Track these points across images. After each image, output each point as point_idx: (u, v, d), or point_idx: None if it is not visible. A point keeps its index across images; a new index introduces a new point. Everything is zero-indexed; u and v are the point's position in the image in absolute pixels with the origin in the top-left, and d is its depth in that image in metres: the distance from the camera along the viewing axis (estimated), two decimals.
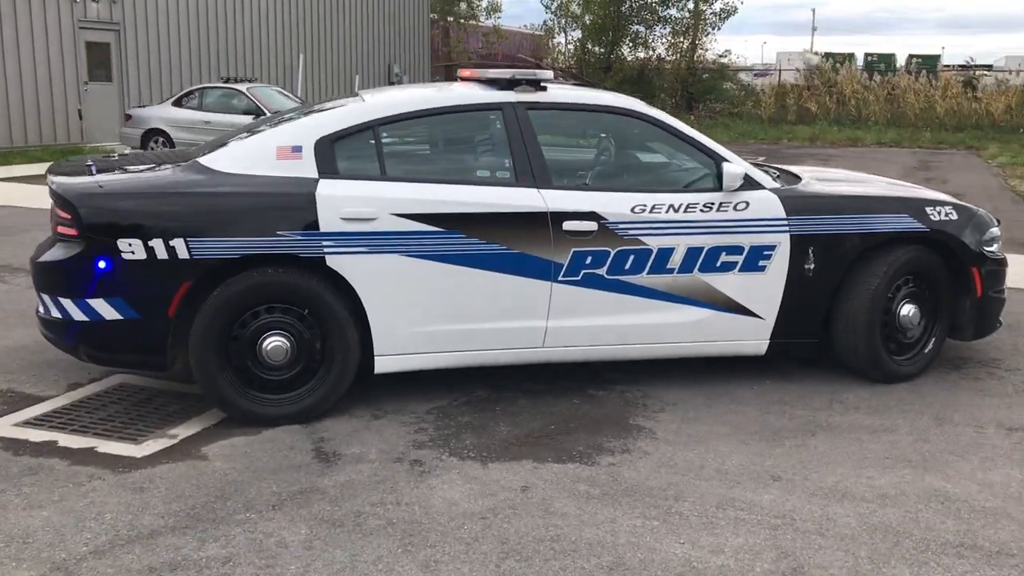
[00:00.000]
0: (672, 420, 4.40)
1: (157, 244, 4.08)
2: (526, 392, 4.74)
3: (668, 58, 32.01)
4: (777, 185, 4.80)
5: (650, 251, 4.52)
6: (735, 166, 4.62)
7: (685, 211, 4.56)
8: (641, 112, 4.80)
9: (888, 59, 56.42)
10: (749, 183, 4.66)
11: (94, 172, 4.37)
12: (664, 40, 31.99)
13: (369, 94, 4.82)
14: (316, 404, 4.32)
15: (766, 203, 4.66)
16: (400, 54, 27.60)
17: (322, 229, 4.19)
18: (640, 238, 4.50)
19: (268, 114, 14.56)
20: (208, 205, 4.17)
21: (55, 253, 4.21)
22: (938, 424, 4.37)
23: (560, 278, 4.45)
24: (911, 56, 60.64)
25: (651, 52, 32.31)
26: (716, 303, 4.65)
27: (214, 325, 4.16)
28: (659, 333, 4.66)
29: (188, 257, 4.10)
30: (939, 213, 4.91)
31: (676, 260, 4.55)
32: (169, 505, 3.49)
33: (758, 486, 3.70)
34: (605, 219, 4.45)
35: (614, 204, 4.49)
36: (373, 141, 4.41)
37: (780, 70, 33.36)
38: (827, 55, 55.13)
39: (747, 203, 4.63)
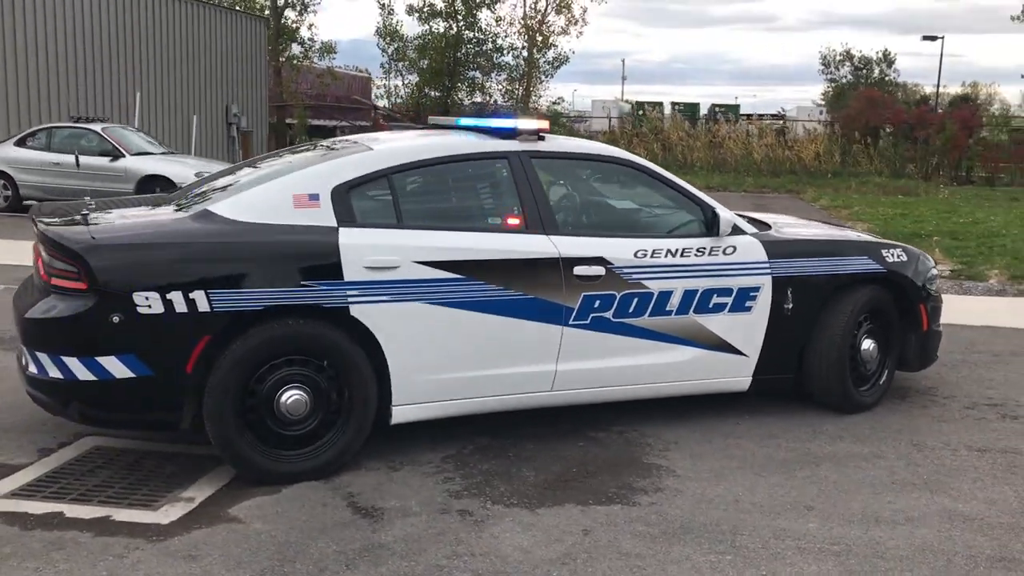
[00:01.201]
0: (683, 458, 4.56)
1: (176, 297, 3.89)
2: (528, 437, 4.78)
3: (504, 104, 32.79)
4: (756, 230, 5.11)
5: (651, 294, 4.70)
6: (726, 212, 4.89)
7: (681, 255, 4.78)
8: (632, 161, 5.01)
9: (693, 108, 59.96)
10: (735, 229, 4.94)
11: (88, 221, 4.11)
12: (500, 86, 32.77)
13: (376, 142, 4.77)
14: (335, 458, 4.21)
15: (750, 248, 4.95)
16: (238, 95, 26.89)
17: (346, 278, 4.12)
18: (643, 282, 4.67)
19: (127, 156, 13.93)
20: (229, 255, 4.01)
21: (58, 308, 3.91)
22: (918, 449, 4.75)
23: (571, 322, 4.55)
24: (714, 105, 64.65)
25: (488, 97, 33.00)
26: (708, 343, 4.88)
27: (232, 380, 3.99)
28: (658, 373, 4.83)
29: (209, 310, 3.93)
30: (893, 255, 5.37)
31: (674, 302, 4.75)
32: (236, 572, 3.31)
33: (797, 516, 3.91)
34: (612, 264, 4.60)
35: (619, 249, 4.65)
36: (388, 189, 4.38)
37: (609, 117, 34.81)
38: (638, 103, 57.84)
39: (734, 247, 4.91)
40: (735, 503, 4.03)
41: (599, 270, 4.57)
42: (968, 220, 16.18)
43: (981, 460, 4.62)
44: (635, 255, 4.67)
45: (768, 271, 4.95)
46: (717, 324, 4.88)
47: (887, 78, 65.31)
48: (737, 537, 3.69)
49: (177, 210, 4.40)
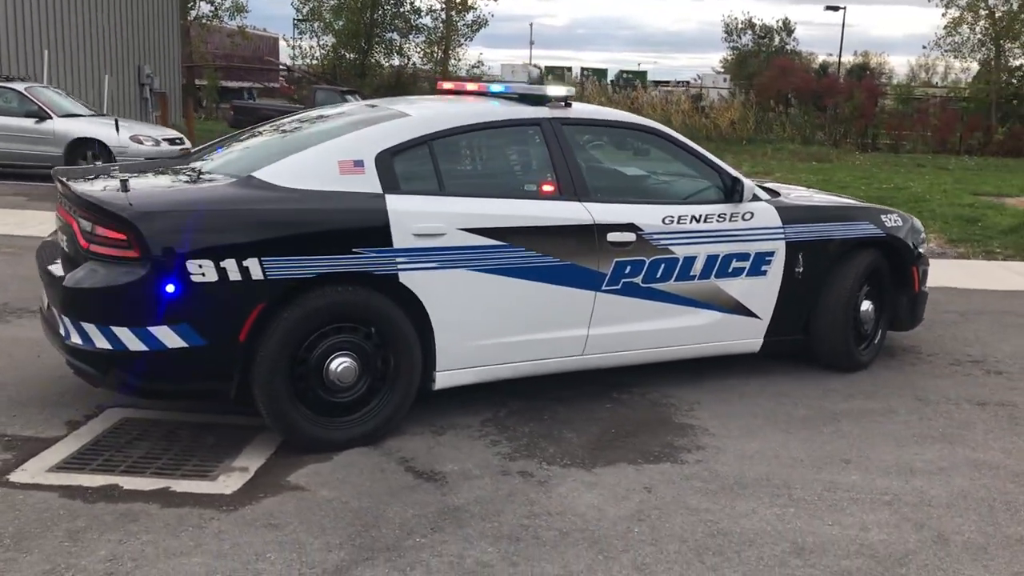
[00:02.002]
0: (710, 417, 4.72)
1: (230, 264, 3.82)
2: (557, 400, 4.87)
3: (423, 66, 32.45)
4: (770, 197, 5.28)
5: (677, 259, 4.82)
6: (747, 180, 5.04)
7: (704, 221, 4.91)
8: (656, 128, 5.10)
9: (602, 73, 60.43)
10: (753, 196, 5.09)
11: (129, 187, 3.98)
12: (419, 48, 32.39)
13: (409, 107, 4.73)
14: (382, 424, 4.23)
15: (766, 213, 5.12)
16: (150, 55, 25.90)
17: (395, 245, 4.11)
18: (670, 247, 4.79)
19: (54, 117, 13.34)
20: (282, 222, 3.95)
21: (104, 277, 3.80)
22: (924, 404, 5.02)
23: (603, 287, 4.64)
24: (622, 72, 65.22)
25: (406, 60, 32.61)
26: (726, 306, 5.04)
27: (285, 348, 3.96)
28: (680, 336, 4.97)
29: (263, 277, 3.87)
30: (891, 220, 5.62)
31: (698, 267, 4.89)
32: (323, 539, 3.32)
33: (838, 469, 4.11)
34: (642, 230, 4.70)
35: (648, 216, 4.75)
36: (429, 155, 4.37)
37: (530, 81, 34.75)
38: (548, 68, 57.71)
39: (752, 213, 5.07)
40: (776, 458, 4.22)
41: (630, 236, 4.66)
42: (890, 186, 16.84)
43: (984, 413, 4.92)
44: (663, 221, 4.78)
45: (782, 236, 5.13)
46: (736, 288, 5.04)
47: (787, 47, 67.03)
48: (792, 491, 3.87)
49: (211, 176, 4.31)
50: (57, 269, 4.14)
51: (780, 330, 5.28)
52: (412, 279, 4.17)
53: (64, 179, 4.24)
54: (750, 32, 70.88)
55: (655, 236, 4.74)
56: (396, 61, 32.71)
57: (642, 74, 61.92)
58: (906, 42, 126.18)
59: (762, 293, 5.15)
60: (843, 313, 5.35)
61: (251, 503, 3.60)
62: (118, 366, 3.87)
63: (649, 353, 4.96)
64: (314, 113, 5.31)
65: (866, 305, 5.54)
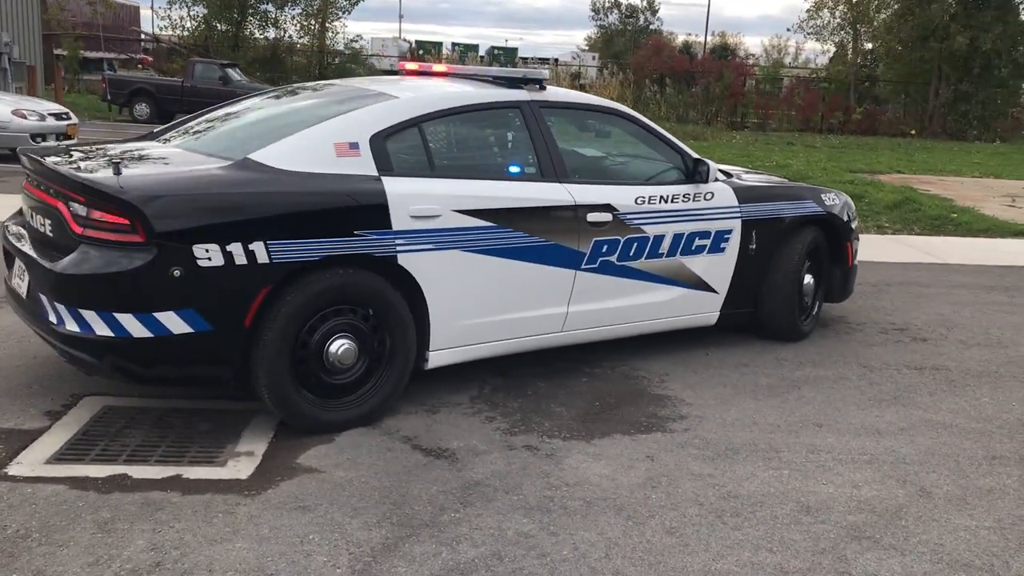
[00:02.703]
0: (682, 388, 4.96)
1: (236, 248, 3.79)
2: (535, 375, 5.01)
3: (300, 40, 31.73)
4: (725, 178, 5.55)
5: (648, 238, 5.02)
6: (711, 162, 5.28)
7: (671, 201, 5.13)
8: (626, 112, 5.28)
9: (474, 49, 60.37)
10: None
11: (121, 170, 3.87)
12: (295, 21, 31.63)
13: (392, 88, 4.73)
14: (379, 404, 4.27)
15: (725, 193, 5.39)
16: (8, 22, 24.37)
17: (394, 227, 4.15)
18: (642, 227, 4.99)
19: None
20: (286, 205, 3.93)
21: (104, 261, 3.69)
22: (869, 371, 5.41)
23: (583, 266, 4.80)
24: (493, 48, 65.37)
25: (282, 32, 31.80)
26: (689, 282, 5.29)
27: (288, 332, 3.95)
28: (648, 312, 5.19)
29: (268, 261, 3.86)
30: (829, 199, 5.99)
31: (665, 245, 5.11)
32: (359, 519, 3.37)
33: (814, 433, 4.41)
34: (617, 210, 4.87)
35: (623, 196, 4.93)
36: (420, 137, 4.41)
37: (404, 56, 34.47)
38: (419, 43, 57.24)
39: (712, 193, 5.32)
40: (755, 425, 4.48)
41: (607, 216, 4.83)
42: (771, 164, 17.63)
43: (923, 377, 5.34)
44: (635, 201, 4.97)
45: (739, 215, 5.41)
46: (698, 265, 5.29)
47: (651, 26, 68.79)
48: (780, 454, 4.14)
49: (202, 158, 4.22)
50: (34, 253, 3.99)
51: (734, 304, 5.57)
52: (409, 260, 4.21)
53: (43, 159, 4.08)
54: (616, 11, 72.33)
55: (629, 216, 4.92)
56: (272, 34, 31.85)
57: (512, 50, 62.30)
58: (759, 23, 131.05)
59: (720, 269, 5.42)
60: (790, 287, 5.68)
61: (271, 487, 3.60)
62: (118, 353, 3.78)
63: (619, 329, 5.16)
64: (278, 92, 5.24)
65: (808, 279, 5.89)
